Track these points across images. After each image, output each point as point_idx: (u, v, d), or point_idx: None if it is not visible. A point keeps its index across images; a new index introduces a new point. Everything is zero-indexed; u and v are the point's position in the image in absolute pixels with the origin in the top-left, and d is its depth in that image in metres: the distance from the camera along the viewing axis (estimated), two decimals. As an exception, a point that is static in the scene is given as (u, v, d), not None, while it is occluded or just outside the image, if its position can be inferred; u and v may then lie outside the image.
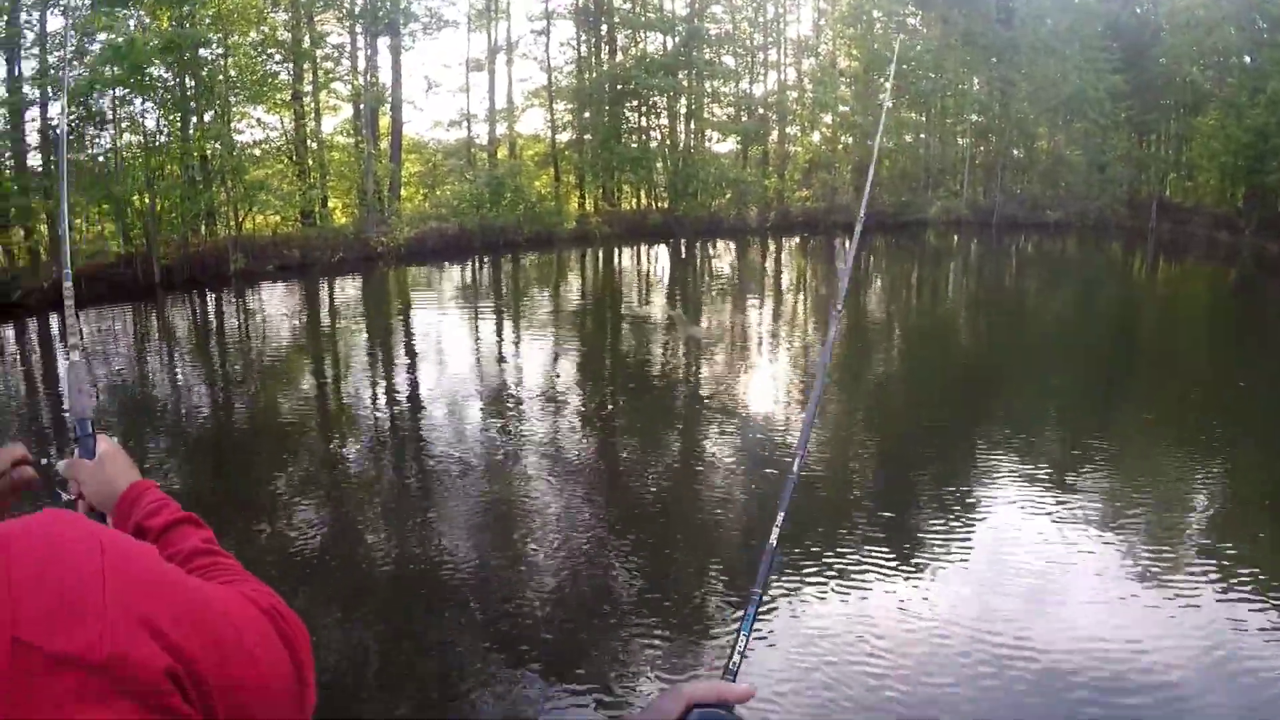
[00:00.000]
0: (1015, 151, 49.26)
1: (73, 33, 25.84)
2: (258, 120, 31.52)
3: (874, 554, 7.84)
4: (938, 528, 8.50)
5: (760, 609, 5.83)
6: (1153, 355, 18.52)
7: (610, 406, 14.20)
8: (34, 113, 25.73)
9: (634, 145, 42.92)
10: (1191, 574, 7.60)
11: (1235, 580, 7.46)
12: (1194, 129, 45.35)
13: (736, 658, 1.51)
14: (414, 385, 15.50)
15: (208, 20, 27.11)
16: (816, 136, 48.79)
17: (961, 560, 7.85)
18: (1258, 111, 39.74)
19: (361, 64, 35.37)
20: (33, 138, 25.75)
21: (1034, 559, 7.78)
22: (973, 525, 8.65)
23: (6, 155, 24.67)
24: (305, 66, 33.30)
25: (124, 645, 0.85)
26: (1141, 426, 12.84)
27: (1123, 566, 7.73)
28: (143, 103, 27.66)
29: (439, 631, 6.99)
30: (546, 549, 8.32)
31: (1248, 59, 43.88)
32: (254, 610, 1.15)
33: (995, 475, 10.12)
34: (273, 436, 12.86)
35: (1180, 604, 7.06)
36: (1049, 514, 8.84)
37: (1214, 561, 7.84)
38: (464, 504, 9.78)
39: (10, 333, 20.95)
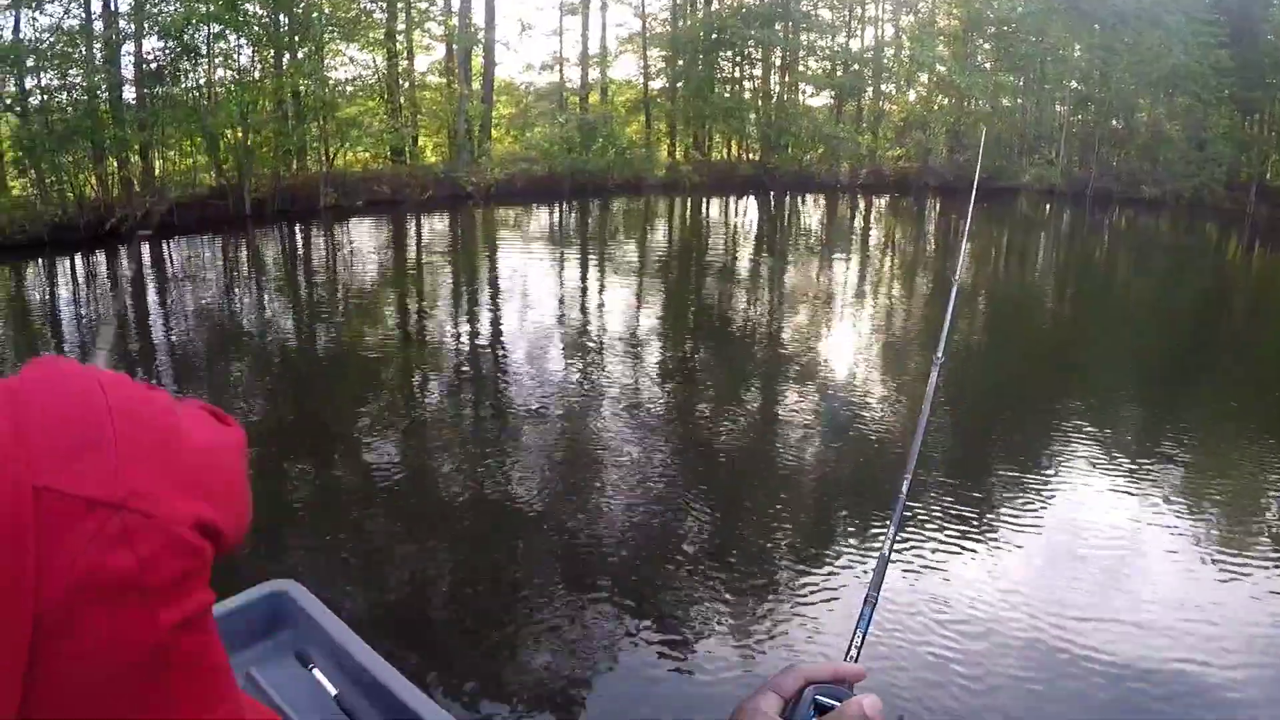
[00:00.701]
0: (1114, 123, 48.34)
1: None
2: (350, 59, 31.98)
3: (950, 526, 7.84)
4: (1014, 502, 8.49)
5: (832, 580, 6.64)
6: (1242, 341, 18.11)
7: (691, 356, 14.38)
8: (129, 46, 26.26)
9: (727, 95, 42.69)
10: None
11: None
12: (1302, 110, 44.34)
13: (854, 653, 1.56)
14: (496, 323, 15.90)
15: None
16: (912, 95, 48.11)
17: (1037, 536, 7.84)
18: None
19: (456, 4, 35.52)
20: (128, 71, 26.33)
21: (1111, 540, 7.72)
22: (1050, 502, 8.58)
23: (103, 89, 25.14)
24: (399, 6, 33.50)
25: (143, 484, 0.87)
26: (1227, 412, 12.53)
27: (1202, 551, 7.66)
28: (237, 38, 28.14)
29: (510, 564, 7.25)
30: (621, 492, 8.50)
31: (1362, 38, 42.81)
32: (235, 437, 1.17)
33: (1075, 451, 9.98)
34: (356, 366, 13.24)
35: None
36: (1128, 492, 8.77)
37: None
38: (541, 442, 10.01)
39: (103, 260, 21.41)
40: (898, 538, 1.94)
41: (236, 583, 3.73)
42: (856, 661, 1.47)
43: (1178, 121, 45.85)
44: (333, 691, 3.31)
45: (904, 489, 2.20)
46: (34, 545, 0.76)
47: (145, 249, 21.55)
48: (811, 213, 36.42)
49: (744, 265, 22.88)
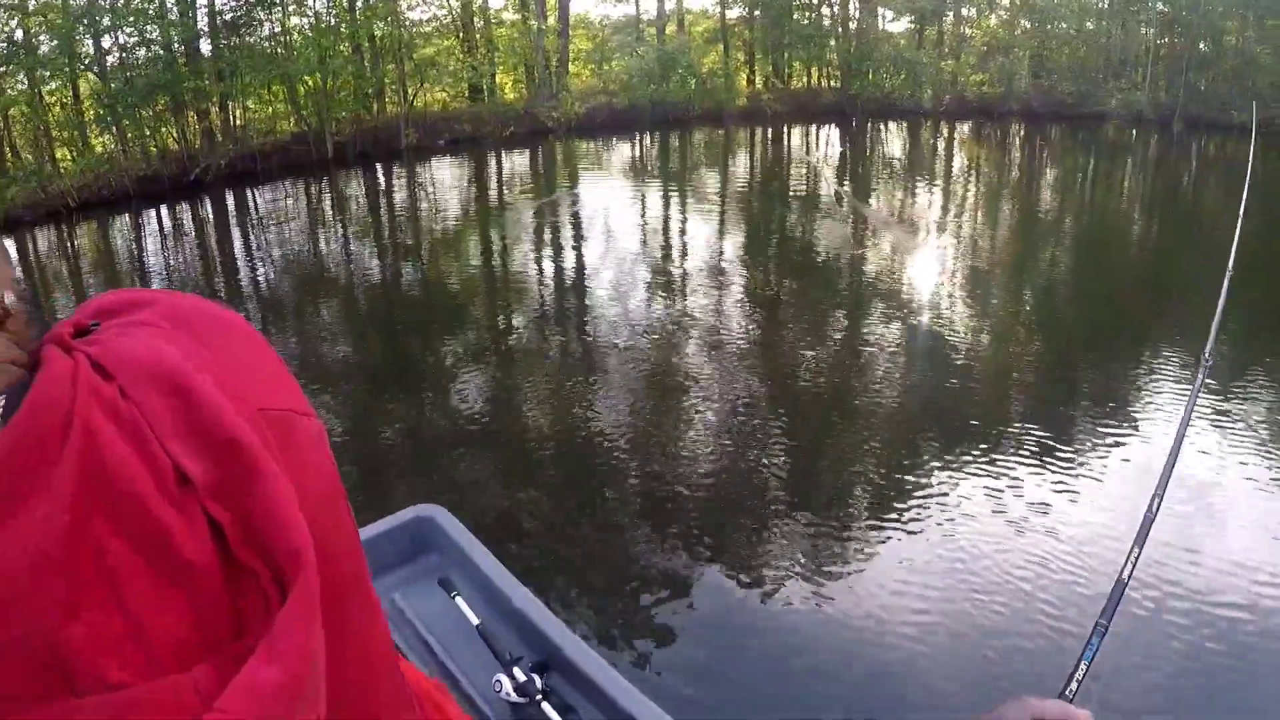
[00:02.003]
0: (1201, 46, 47.39)
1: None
2: None
3: (1025, 464, 7.79)
4: (1093, 442, 8.30)
5: (909, 511, 7.00)
6: None
7: (776, 289, 14.43)
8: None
9: (806, 22, 42.14)
10: None
11: None
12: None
13: (1074, 685, 1.51)
14: (580, 259, 16.14)
15: None
16: (994, 19, 47.37)
17: (1121, 476, 7.66)
18: None
19: None
20: (203, 24, 26.82)
21: (1202, 479, 7.42)
22: (1131, 440, 8.39)
23: (178, 43, 25.67)
24: None
25: (301, 393, 0.93)
26: None
27: None
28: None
29: (593, 503, 7.39)
30: (704, 431, 8.65)
31: None
32: None
33: (1159, 388, 9.74)
34: (442, 306, 13.59)
35: None
36: (1221, 431, 8.41)
37: None
38: (626, 379, 10.20)
39: (188, 211, 21.74)
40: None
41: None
42: (1075, 695, 1.47)
43: (1268, 45, 44.83)
44: (474, 621, 3.39)
45: (1155, 507, 2.10)
46: (281, 458, 0.82)
47: (230, 196, 21.92)
48: (894, 139, 36.12)
49: (827, 194, 22.79)
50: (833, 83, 43.21)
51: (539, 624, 3.34)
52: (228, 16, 26.78)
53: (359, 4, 29.26)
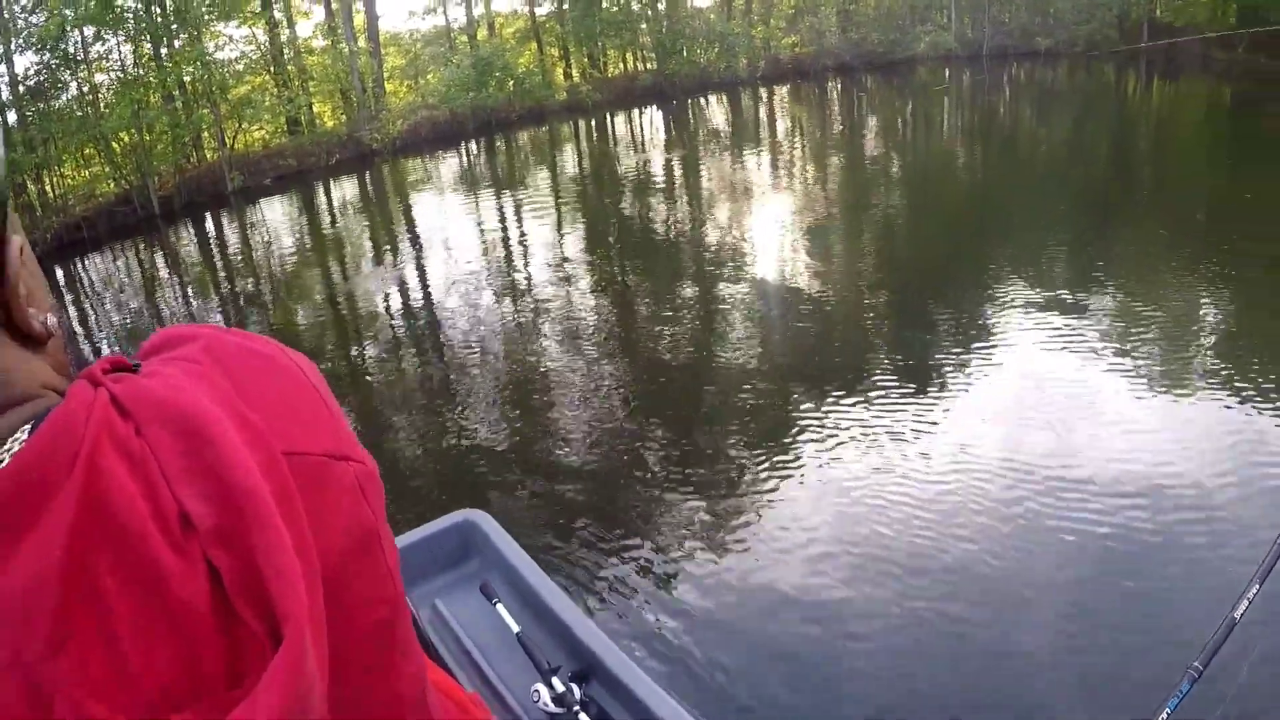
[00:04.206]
0: (1001, -23, 48.61)
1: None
2: (229, 38, 31.22)
3: (895, 397, 8.03)
4: (960, 367, 8.66)
5: (785, 459, 7.09)
6: (1154, 176, 18.52)
7: (623, 273, 14.51)
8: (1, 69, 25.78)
9: (615, 9, 42.45)
10: (1217, 383, 7.78)
11: (1258, 383, 7.69)
12: (1184, -56, 44.73)
13: None
14: (424, 276, 15.79)
15: None
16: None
17: (986, 396, 8.02)
18: (1243, -77, 39.31)
19: None
20: (4, 94, 25.82)
21: (1058, 386, 7.94)
22: (994, 361, 8.78)
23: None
24: None
25: (347, 434, 0.91)
26: (1148, 246, 12.95)
27: (1145, 383, 7.91)
28: (116, 38, 27.63)
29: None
30: (576, 419, 8.70)
31: None
32: None
33: (1008, 307, 10.21)
34: (292, 344, 13.13)
35: (1207, 412, 7.27)
36: (1067, 341, 9.00)
37: (1236, 367, 8.08)
38: (490, 386, 10.17)
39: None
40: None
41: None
42: None
43: (1062, -30, 46.10)
44: (515, 629, 3.36)
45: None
46: (302, 509, 0.80)
47: (58, 270, 21.50)
48: (715, 113, 36.59)
49: (656, 174, 22.97)
50: (649, 65, 43.57)
51: (579, 633, 3.34)
52: (30, 83, 26.12)
53: (164, 51, 28.46)
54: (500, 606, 3.47)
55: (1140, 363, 8.31)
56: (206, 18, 28.98)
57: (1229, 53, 39.30)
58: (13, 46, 25.39)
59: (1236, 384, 7.69)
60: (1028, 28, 45.36)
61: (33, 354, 0.81)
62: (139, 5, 27.19)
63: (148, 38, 27.82)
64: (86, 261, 22.88)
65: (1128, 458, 6.55)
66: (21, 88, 25.67)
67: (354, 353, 12.55)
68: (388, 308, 14.31)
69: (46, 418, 0.73)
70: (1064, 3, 44.81)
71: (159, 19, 27.68)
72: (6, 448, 0.72)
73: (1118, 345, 8.74)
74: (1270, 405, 7.25)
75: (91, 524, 0.67)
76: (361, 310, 14.45)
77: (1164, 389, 7.77)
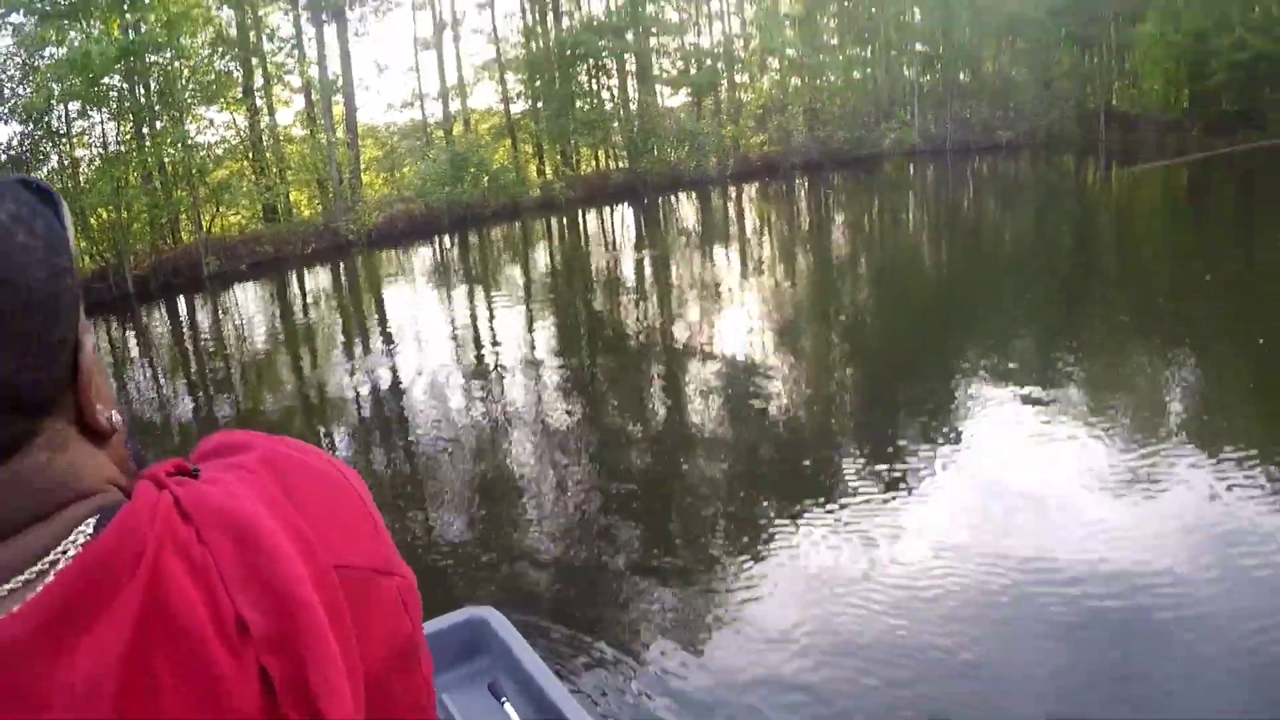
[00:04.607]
0: (962, 76, 49.88)
1: (19, 50, 26.25)
2: (210, 121, 31.48)
3: (867, 490, 7.83)
4: (929, 457, 8.48)
5: (756, 557, 6.73)
6: (1116, 260, 18.76)
7: (590, 370, 14.28)
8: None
9: (588, 109, 43.26)
10: (1185, 464, 7.78)
11: (1229, 463, 7.67)
12: (1135, 37, 46.06)
13: None
14: (395, 369, 15.42)
15: (158, 26, 27.02)
16: (766, 82, 49.27)
17: (958, 486, 7.88)
18: (1194, 15, 40.72)
19: (312, 53, 35.43)
20: None
21: (1028, 474, 7.91)
22: (965, 450, 8.68)
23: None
24: (254, 62, 33.41)
25: (390, 549, 0.94)
26: (1113, 332, 13.05)
27: (1114, 466, 7.84)
28: (100, 114, 27.87)
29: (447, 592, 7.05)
30: (544, 514, 8.48)
31: (1181, -40, 44.75)
32: None
33: (976, 399, 10.22)
34: (262, 429, 12.85)
35: (1177, 494, 7.23)
36: (1036, 432, 8.93)
37: (1206, 448, 8.06)
38: (457, 479, 9.93)
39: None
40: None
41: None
42: None
43: (1022, 65, 47.49)
44: None
45: None
46: (349, 620, 0.83)
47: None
48: (685, 210, 37.00)
49: (626, 272, 23.04)
50: (620, 163, 44.28)
51: None
52: (11, 151, 26.28)
53: (145, 130, 28.46)
54: (508, 706, 3.45)
55: (1109, 452, 8.28)
56: (190, 101, 29.22)
57: (1182, 137, 40.52)
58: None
59: (1205, 467, 7.73)
60: (989, 122, 46.64)
61: (98, 449, 0.84)
62: (124, 85, 27.38)
63: (131, 117, 27.98)
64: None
65: (1099, 550, 6.47)
66: (3, 155, 25.94)
67: (321, 443, 11.93)
68: (356, 398, 14.06)
69: (115, 515, 0.77)
70: (1023, 96, 46.24)
71: (143, 99, 27.86)
72: (72, 538, 0.76)
73: (1086, 435, 8.71)
74: (1240, 488, 7.28)
75: (154, 623, 0.72)
76: (330, 400, 13.93)
77: (1133, 477, 7.69)
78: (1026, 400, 9.94)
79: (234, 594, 0.76)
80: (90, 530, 0.76)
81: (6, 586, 0.71)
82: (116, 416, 0.85)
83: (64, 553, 0.74)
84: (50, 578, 0.72)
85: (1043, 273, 18.00)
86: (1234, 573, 6.07)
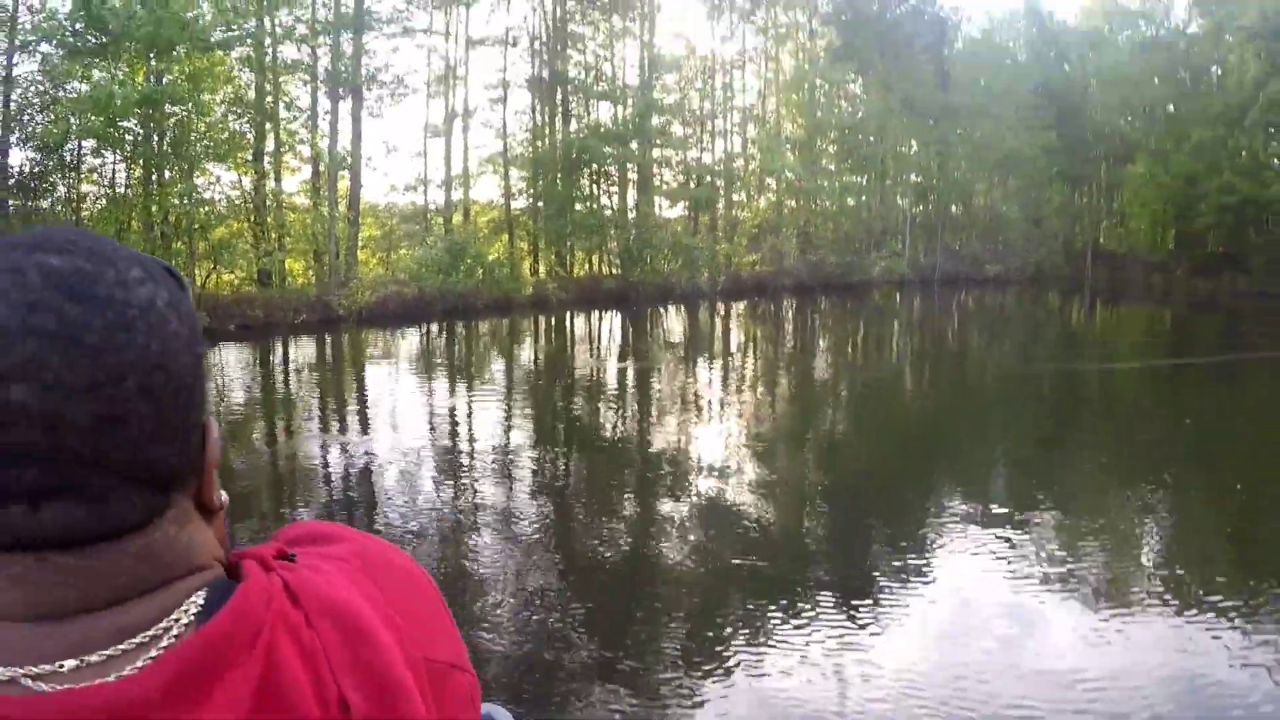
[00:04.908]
0: (954, 209, 50.99)
1: (44, 80, 26.64)
2: (217, 178, 31.78)
3: (834, 617, 7.69)
4: (898, 586, 8.43)
5: (715, 678, 6.45)
6: (1097, 399, 19.12)
7: (564, 470, 14.04)
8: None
9: (587, 213, 43.86)
10: (1155, 607, 7.81)
11: (1201, 609, 7.68)
12: (1124, 178, 47.56)
13: None
14: (369, 449, 14.98)
15: (182, 79, 27.40)
16: (763, 202, 50.41)
17: (925, 617, 7.76)
18: (1183, 159, 42.04)
19: (324, 126, 35.93)
20: None
21: (997, 608, 7.82)
22: (933, 580, 8.60)
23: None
24: (267, 127, 33.81)
25: (461, 644, 1.00)
26: (1091, 469, 13.26)
27: (1086, 607, 7.80)
28: (114, 155, 28.26)
29: None
30: (507, 611, 8.25)
31: (1172, 108, 46.34)
32: None
33: (951, 529, 10.10)
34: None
35: (1147, 638, 7.18)
36: (1009, 562, 8.89)
37: (1177, 593, 8.10)
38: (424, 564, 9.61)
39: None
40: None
41: None
42: None
43: (1013, 202, 48.61)
44: None
45: None
46: (434, 709, 0.90)
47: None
48: (674, 323, 37.18)
49: (609, 379, 23.04)
50: (614, 269, 44.62)
51: None
52: (19, 178, 26.41)
53: (153, 177, 28.81)
54: None
55: (1080, 585, 8.29)
56: (202, 156, 29.44)
57: (1168, 277, 41.48)
58: (12, 139, 25.86)
59: (1174, 604, 7.83)
60: (978, 255, 47.71)
61: (208, 525, 0.90)
62: (140, 130, 27.65)
63: (142, 163, 28.32)
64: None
65: (1070, 684, 6.41)
66: (12, 180, 26.10)
67: (285, 515, 11.66)
68: (326, 475, 13.65)
69: (231, 592, 0.83)
70: (1013, 232, 47.33)
71: (155, 147, 28.15)
72: (184, 608, 0.81)
73: (1059, 568, 8.72)
74: (1204, 627, 7.35)
75: (268, 701, 0.78)
76: (299, 473, 13.65)
77: (1104, 611, 7.73)
78: (995, 528, 9.93)
79: (339, 677, 0.84)
80: (201, 602, 0.83)
81: (121, 647, 0.76)
82: (224, 495, 0.93)
83: (176, 620, 0.80)
84: (165, 643, 0.78)
85: (1022, 407, 18.30)
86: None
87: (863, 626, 7.43)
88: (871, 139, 48.30)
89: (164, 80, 27.23)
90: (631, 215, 45.35)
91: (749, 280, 45.41)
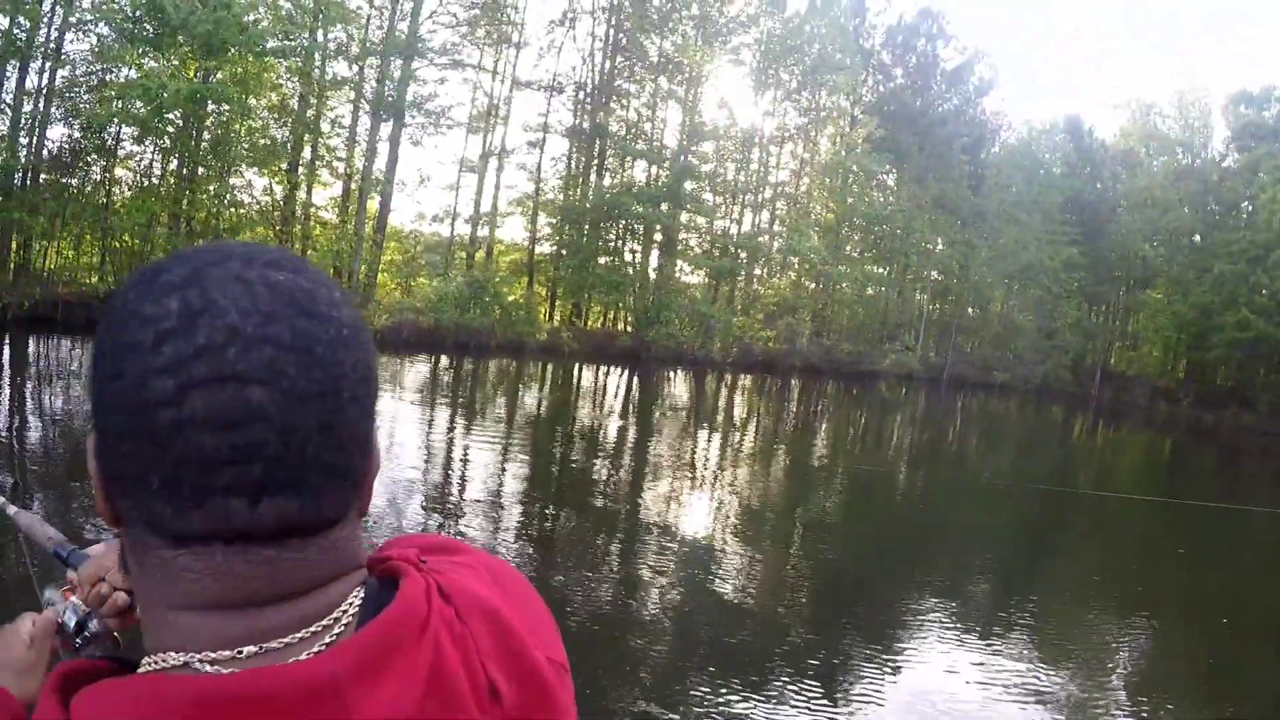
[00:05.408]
0: (970, 311, 51.25)
1: (96, 61, 26.85)
2: (249, 183, 32.04)
3: (796, 705, 7.66)
4: (862, 678, 8.46)
5: None
6: (1088, 520, 19.01)
7: (549, 524, 13.82)
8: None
9: (611, 268, 44.04)
10: None
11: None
12: (1141, 303, 47.95)
13: None
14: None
15: (231, 81, 27.60)
16: (784, 280, 50.70)
17: (886, 712, 7.78)
18: (1203, 290, 42.41)
19: (362, 146, 36.17)
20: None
21: (958, 713, 7.84)
22: (906, 678, 8.64)
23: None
24: (305, 138, 33.90)
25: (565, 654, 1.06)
26: (1074, 586, 13.35)
27: None
28: (152, 146, 28.54)
29: None
30: None
31: (1198, 238, 46.69)
32: None
33: (927, 630, 10.16)
34: None
35: None
36: (974, 666, 8.98)
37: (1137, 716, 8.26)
38: None
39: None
40: None
41: None
42: None
43: (1029, 312, 48.87)
44: None
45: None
46: (553, 699, 0.96)
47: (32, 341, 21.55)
48: (681, 388, 37.24)
49: (609, 436, 22.93)
50: (628, 327, 44.90)
51: None
52: (55, 149, 26.70)
53: (185, 172, 29.04)
54: None
55: (1043, 700, 8.33)
56: (241, 160, 29.89)
57: (1173, 405, 41.66)
58: (54, 113, 26.21)
59: None
60: (988, 360, 47.85)
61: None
62: (181, 124, 27.87)
63: (178, 158, 28.65)
64: (53, 343, 22.79)
65: None
66: (46, 152, 26.32)
67: None
68: None
69: (402, 587, 0.90)
70: (1025, 342, 47.58)
71: (195, 144, 28.43)
72: (349, 601, 0.88)
73: (1025, 680, 8.78)
74: None
75: (437, 686, 0.86)
76: None
77: None
78: (971, 635, 10.04)
79: (489, 668, 0.91)
80: (362, 596, 0.90)
81: (299, 635, 0.84)
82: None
83: (345, 611, 0.87)
84: (336, 631, 0.86)
85: (1011, 519, 18.38)
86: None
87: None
88: (898, 231, 48.67)
89: (213, 79, 27.49)
90: (653, 276, 45.57)
91: (760, 356, 45.45)
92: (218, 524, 0.79)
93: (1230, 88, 71.28)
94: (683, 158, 44.07)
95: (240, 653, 0.81)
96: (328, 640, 0.84)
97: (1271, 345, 40.30)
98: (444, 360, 32.84)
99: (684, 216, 45.15)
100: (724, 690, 7.67)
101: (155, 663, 0.82)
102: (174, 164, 29.18)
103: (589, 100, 44.12)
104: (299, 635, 0.83)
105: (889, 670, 8.73)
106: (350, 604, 0.88)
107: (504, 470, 16.69)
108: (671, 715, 7.18)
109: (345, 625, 0.86)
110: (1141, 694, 9.04)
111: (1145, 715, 8.38)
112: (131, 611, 1.36)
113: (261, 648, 0.82)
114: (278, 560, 0.83)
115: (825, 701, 7.64)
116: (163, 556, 0.82)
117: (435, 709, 0.84)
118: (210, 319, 0.76)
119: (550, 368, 36.24)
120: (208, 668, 0.80)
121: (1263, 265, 41.96)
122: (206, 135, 28.98)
